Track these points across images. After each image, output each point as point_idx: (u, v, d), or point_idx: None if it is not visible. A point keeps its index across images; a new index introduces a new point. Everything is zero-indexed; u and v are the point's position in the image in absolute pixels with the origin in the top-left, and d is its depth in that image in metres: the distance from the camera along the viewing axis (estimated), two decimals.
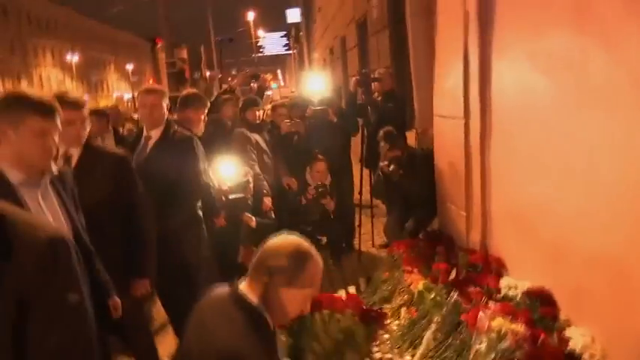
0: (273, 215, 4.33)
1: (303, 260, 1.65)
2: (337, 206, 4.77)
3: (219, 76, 28.35)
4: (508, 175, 3.15)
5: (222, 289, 1.69)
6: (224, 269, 3.55)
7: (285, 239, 1.70)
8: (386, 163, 4.48)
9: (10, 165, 1.83)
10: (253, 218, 4.08)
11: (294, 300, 1.66)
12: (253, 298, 1.61)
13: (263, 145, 4.56)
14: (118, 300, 2.27)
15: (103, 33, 57.53)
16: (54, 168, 1.96)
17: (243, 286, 1.66)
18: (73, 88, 44.08)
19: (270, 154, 4.65)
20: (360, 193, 5.21)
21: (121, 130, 6.81)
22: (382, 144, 4.57)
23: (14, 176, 1.84)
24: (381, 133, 4.62)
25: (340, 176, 5.05)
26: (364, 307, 3.36)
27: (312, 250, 1.70)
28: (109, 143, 4.92)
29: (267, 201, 4.33)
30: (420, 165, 4.47)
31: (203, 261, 3.32)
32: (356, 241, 5.33)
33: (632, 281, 2.04)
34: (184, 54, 44.52)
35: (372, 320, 3.29)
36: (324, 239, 5.09)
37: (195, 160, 3.20)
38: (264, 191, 4.32)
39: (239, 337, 1.52)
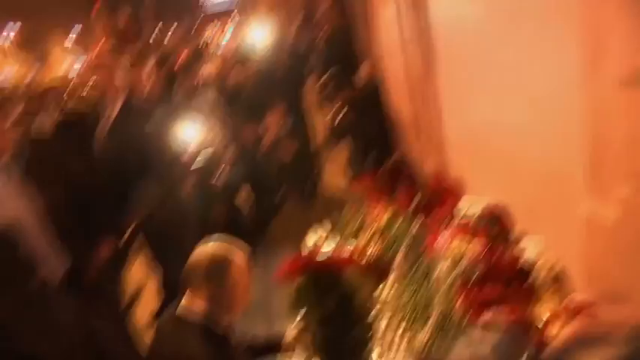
0: (239, 170, 4.31)
1: (222, 268, 1.78)
2: (297, 152, 4.78)
3: None
4: (457, 99, 3.18)
5: (168, 312, 1.78)
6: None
7: (200, 253, 1.82)
8: (333, 112, 4.52)
9: None
10: (220, 180, 4.06)
11: (235, 294, 1.83)
12: (199, 307, 1.72)
13: (214, 100, 4.47)
14: None
15: None
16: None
17: (186, 300, 1.74)
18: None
19: (224, 107, 4.57)
20: (321, 134, 5.21)
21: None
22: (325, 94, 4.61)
23: None
24: (322, 80, 4.63)
25: (297, 122, 5.03)
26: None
27: (229, 253, 1.83)
28: None
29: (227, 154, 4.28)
30: (368, 107, 4.51)
31: None
32: (319, 182, 5.39)
33: (569, 193, 2.13)
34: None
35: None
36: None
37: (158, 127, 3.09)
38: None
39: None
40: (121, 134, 2.87)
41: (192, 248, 1.87)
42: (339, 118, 4.44)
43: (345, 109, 4.30)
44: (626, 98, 1.66)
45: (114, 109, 2.94)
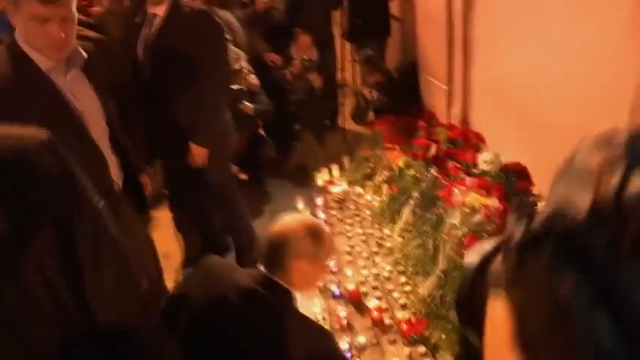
0: (264, 98, 4.19)
1: (320, 236, 1.64)
2: (323, 84, 4.64)
3: None
4: (490, 48, 3.01)
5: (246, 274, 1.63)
6: None
7: (295, 220, 1.67)
8: (367, 89, 4.37)
9: (30, 49, 1.73)
10: (250, 105, 3.96)
11: (316, 274, 1.71)
12: (288, 281, 1.61)
13: (235, 24, 4.27)
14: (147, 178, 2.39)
15: None
16: (83, 54, 1.83)
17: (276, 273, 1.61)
18: None
19: (245, 31, 4.38)
20: (343, 69, 5.03)
21: None
22: (361, 67, 4.51)
23: (43, 62, 1.74)
24: (361, 56, 4.51)
25: (324, 52, 4.84)
26: None
27: (322, 223, 1.74)
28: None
29: (254, 79, 4.15)
30: (402, 87, 4.39)
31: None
32: (340, 119, 5.27)
33: None
34: None
35: None
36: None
37: (217, 38, 2.73)
38: (247, 70, 4.12)
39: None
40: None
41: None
42: (365, 102, 4.37)
43: (374, 95, 4.23)
44: None
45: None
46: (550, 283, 0.34)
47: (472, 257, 0.54)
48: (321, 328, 1.66)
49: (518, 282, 0.39)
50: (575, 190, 0.37)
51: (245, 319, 1.49)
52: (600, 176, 0.35)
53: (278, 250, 1.59)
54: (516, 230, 0.41)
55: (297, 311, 1.61)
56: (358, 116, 4.70)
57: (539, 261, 0.36)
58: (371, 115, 4.44)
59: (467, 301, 0.54)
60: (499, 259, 0.46)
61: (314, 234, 1.63)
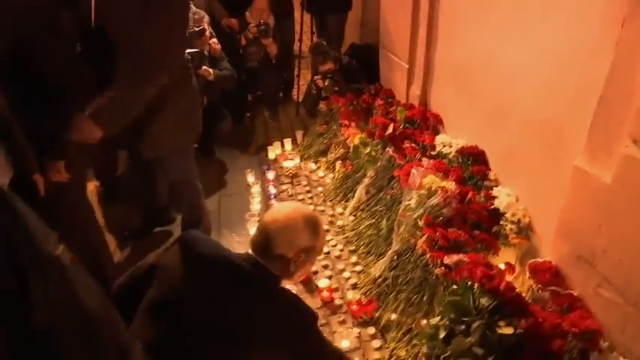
0: (227, 64, 3.95)
1: (317, 229, 1.56)
2: (278, 53, 4.46)
3: None
4: (455, 30, 2.94)
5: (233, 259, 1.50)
6: None
7: (293, 210, 1.55)
8: (319, 77, 4.23)
9: None
10: (211, 71, 3.72)
11: (308, 267, 1.65)
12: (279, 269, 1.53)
13: None
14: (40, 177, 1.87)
15: None
16: None
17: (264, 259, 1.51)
18: None
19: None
20: (300, 40, 4.86)
21: None
22: (312, 57, 4.37)
23: None
24: (311, 45, 4.38)
25: (281, 20, 4.64)
26: None
27: (318, 216, 1.63)
28: None
29: (215, 44, 3.90)
30: (355, 69, 4.32)
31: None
32: (294, 92, 5.12)
33: (561, 147, 2.01)
34: None
35: None
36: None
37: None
38: (209, 33, 3.86)
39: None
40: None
41: None
42: (317, 90, 4.25)
43: (326, 83, 4.10)
44: None
45: None
46: None
47: None
48: (309, 309, 1.57)
49: None
50: None
51: (232, 293, 1.41)
52: None
53: (273, 240, 1.49)
54: None
55: (285, 290, 1.55)
56: (308, 106, 4.57)
57: None
58: (322, 104, 4.33)
59: None
60: None
61: (312, 226, 1.55)
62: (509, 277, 2.12)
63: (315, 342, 1.55)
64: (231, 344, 1.35)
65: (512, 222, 2.32)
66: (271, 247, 1.49)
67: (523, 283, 2.11)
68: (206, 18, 3.75)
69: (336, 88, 4.15)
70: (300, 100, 4.79)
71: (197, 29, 3.58)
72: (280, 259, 1.50)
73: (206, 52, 3.77)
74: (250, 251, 1.52)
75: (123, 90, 1.96)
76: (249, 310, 1.39)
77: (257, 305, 1.41)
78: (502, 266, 2.21)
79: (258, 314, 1.40)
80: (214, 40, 3.87)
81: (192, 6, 3.31)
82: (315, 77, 4.31)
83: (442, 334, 1.85)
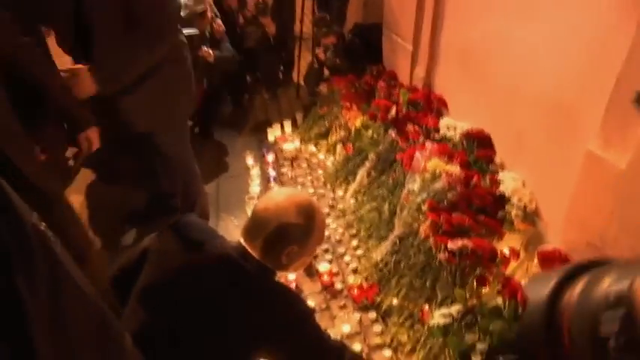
0: (229, 45, 3.86)
1: (313, 220, 1.43)
2: (277, 32, 4.37)
3: None
4: (463, 11, 2.86)
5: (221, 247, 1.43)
6: None
7: (286, 199, 1.43)
8: (321, 49, 4.14)
9: None
10: (211, 52, 3.63)
11: (304, 260, 1.51)
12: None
13: None
14: None
15: None
16: None
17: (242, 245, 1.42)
18: None
19: None
20: (301, 21, 4.75)
21: None
22: (315, 29, 4.30)
23: None
24: (314, 18, 4.33)
25: (281, 1, 4.55)
26: None
27: (316, 203, 1.50)
28: None
29: (219, 26, 3.80)
30: (358, 49, 4.19)
31: None
32: (294, 73, 5.03)
33: (573, 131, 1.95)
34: None
35: None
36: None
37: None
38: (213, 14, 3.77)
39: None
40: None
41: None
42: (319, 64, 4.16)
43: (328, 55, 4.03)
44: None
45: None
46: None
47: (537, 291, 0.53)
48: (302, 305, 1.50)
49: None
50: None
51: (222, 283, 1.34)
52: None
53: (263, 229, 1.39)
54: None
55: (277, 283, 1.47)
56: (310, 81, 4.48)
57: None
58: (323, 86, 4.24)
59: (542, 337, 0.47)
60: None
61: (306, 216, 1.42)
62: (513, 264, 2.09)
63: (312, 339, 1.46)
64: (221, 335, 1.29)
65: (518, 207, 2.27)
66: (261, 237, 1.39)
67: (528, 270, 2.07)
68: None
69: (337, 61, 4.06)
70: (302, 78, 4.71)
71: (199, 9, 3.50)
72: (271, 250, 1.40)
73: (207, 34, 3.68)
74: (242, 239, 1.43)
75: (123, 52, 2.00)
76: (239, 302, 1.33)
77: (247, 298, 1.34)
78: (506, 252, 2.17)
79: (249, 307, 1.33)
80: (219, 21, 3.78)
81: None
82: (317, 50, 4.23)
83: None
